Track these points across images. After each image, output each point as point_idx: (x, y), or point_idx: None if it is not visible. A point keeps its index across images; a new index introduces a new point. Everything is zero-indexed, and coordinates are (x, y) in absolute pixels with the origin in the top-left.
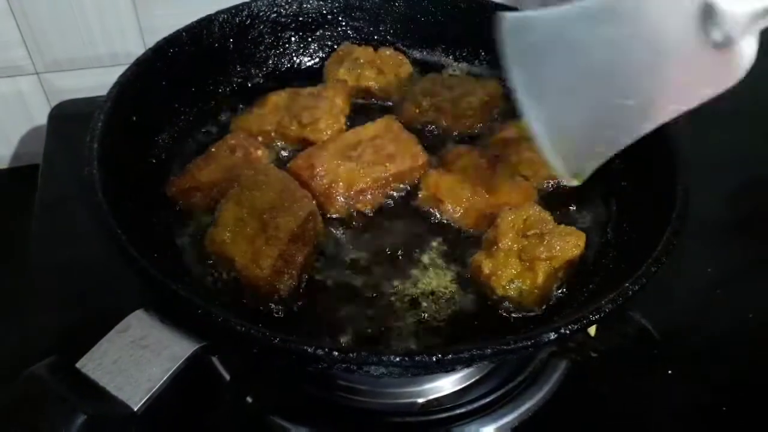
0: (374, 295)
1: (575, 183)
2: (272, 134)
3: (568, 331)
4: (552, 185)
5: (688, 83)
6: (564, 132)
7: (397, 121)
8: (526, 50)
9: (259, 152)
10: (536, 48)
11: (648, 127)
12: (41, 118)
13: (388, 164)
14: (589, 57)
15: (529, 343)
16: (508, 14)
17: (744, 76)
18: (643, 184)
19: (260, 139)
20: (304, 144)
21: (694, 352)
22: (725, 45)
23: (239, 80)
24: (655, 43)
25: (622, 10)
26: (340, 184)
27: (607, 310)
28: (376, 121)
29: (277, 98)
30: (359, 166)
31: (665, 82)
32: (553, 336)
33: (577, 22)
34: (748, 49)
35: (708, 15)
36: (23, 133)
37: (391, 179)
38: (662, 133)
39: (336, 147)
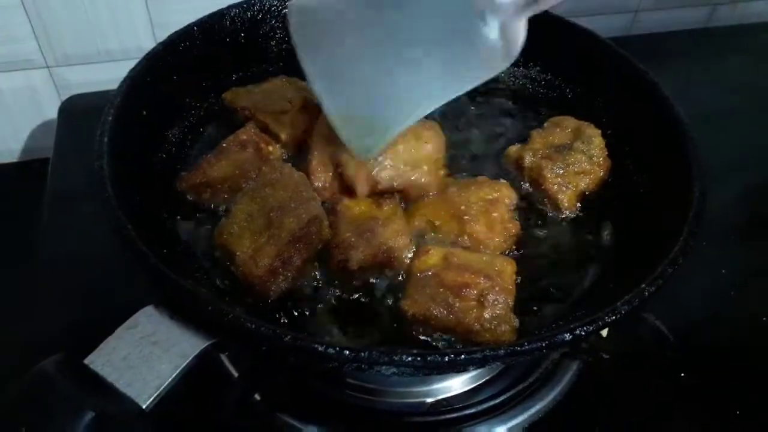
0: None
1: (366, 158)
2: (246, 113)
3: (582, 333)
4: None
5: (463, 65)
6: (351, 111)
7: None
8: (313, 34)
9: (270, 148)
10: (322, 30)
11: (425, 108)
12: (52, 112)
13: None
14: (368, 37)
15: (543, 344)
16: (293, 2)
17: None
18: (658, 186)
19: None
20: (266, 132)
21: (708, 355)
22: (497, 30)
23: (251, 75)
24: (431, 27)
25: None
26: None
27: (622, 312)
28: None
29: (274, 84)
30: None
31: (439, 64)
32: (567, 337)
33: (356, 5)
34: (518, 35)
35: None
36: (34, 126)
37: None
38: (678, 134)
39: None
